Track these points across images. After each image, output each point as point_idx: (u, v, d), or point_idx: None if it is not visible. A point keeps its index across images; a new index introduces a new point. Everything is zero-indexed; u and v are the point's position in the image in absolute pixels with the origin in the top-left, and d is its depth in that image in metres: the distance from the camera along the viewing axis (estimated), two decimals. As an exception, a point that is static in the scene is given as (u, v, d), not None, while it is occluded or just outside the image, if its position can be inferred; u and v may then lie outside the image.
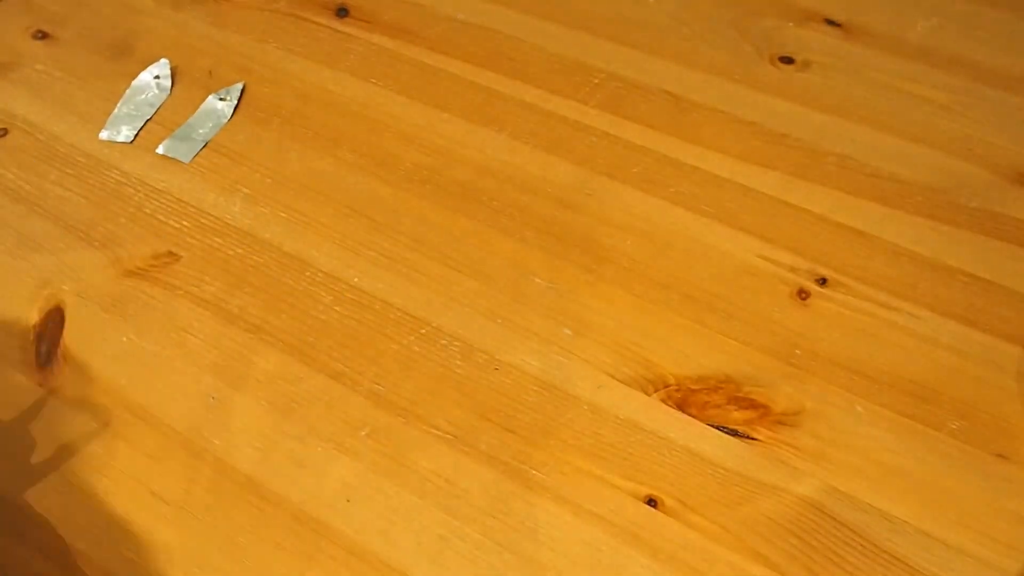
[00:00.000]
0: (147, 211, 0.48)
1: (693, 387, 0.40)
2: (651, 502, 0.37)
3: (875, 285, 0.43)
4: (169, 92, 0.53)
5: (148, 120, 0.52)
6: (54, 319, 0.44)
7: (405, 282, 0.44)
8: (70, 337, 0.43)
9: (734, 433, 0.38)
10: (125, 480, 0.39)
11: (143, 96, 0.53)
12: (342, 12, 0.57)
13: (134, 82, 0.54)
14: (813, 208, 0.46)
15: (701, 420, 0.39)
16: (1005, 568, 0.34)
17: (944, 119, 0.49)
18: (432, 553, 0.36)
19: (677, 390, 0.40)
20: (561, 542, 0.36)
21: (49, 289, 0.45)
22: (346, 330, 0.42)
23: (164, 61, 0.55)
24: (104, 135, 0.51)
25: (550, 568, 0.35)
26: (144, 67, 0.54)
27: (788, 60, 0.53)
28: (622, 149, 0.49)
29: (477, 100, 0.52)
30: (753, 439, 0.38)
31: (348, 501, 0.37)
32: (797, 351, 0.41)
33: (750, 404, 0.39)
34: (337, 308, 0.43)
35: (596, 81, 0.52)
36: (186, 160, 0.50)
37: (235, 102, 0.52)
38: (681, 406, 0.39)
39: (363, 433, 0.39)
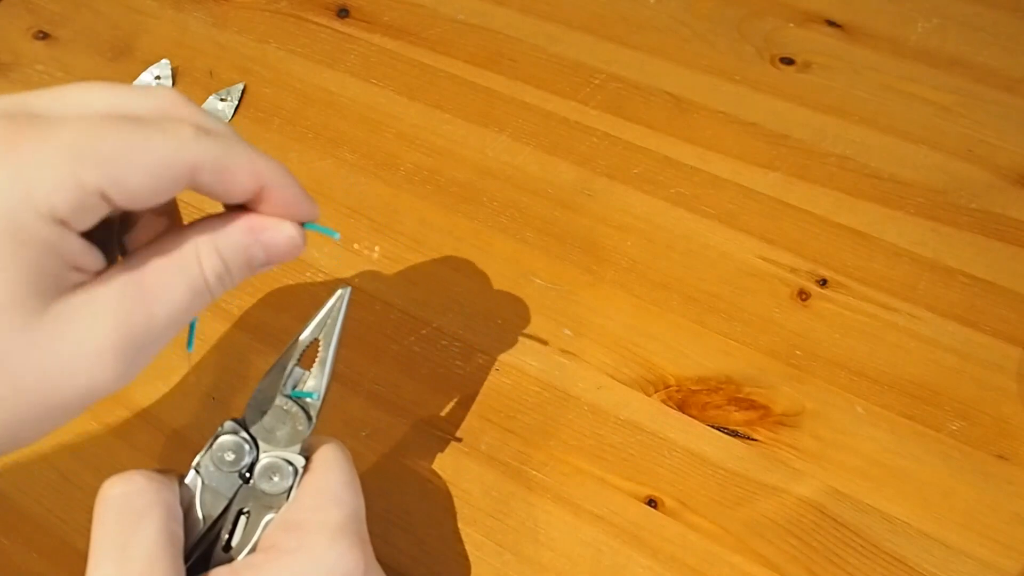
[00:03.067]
0: (148, 211, 0.48)
1: (693, 388, 0.40)
2: (651, 503, 0.37)
3: (875, 286, 0.43)
4: (170, 92, 0.53)
5: (149, 120, 0.52)
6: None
7: (405, 283, 0.44)
8: (70, 337, 0.43)
9: (734, 434, 0.38)
10: (125, 480, 0.39)
11: (144, 96, 0.53)
12: (343, 13, 0.57)
13: (135, 82, 0.54)
14: (814, 209, 0.46)
15: (701, 421, 0.39)
16: (1005, 569, 0.34)
17: (945, 120, 0.49)
18: (433, 555, 0.36)
19: (677, 391, 0.40)
20: (561, 543, 0.36)
21: (49, 289, 0.45)
22: (346, 331, 0.42)
23: (165, 61, 0.55)
24: (105, 135, 0.51)
25: (550, 569, 0.35)
26: (145, 67, 0.54)
27: (789, 61, 0.53)
28: (622, 150, 0.49)
29: (478, 101, 0.52)
30: (753, 440, 0.38)
31: (348, 501, 0.37)
32: (797, 352, 0.41)
33: (750, 405, 0.39)
34: (337, 308, 0.43)
35: (597, 82, 0.52)
36: (187, 160, 0.50)
37: (236, 103, 0.52)
38: (681, 407, 0.39)
39: (364, 434, 0.39)
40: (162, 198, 0.24)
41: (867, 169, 0.47)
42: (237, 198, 0.26)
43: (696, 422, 0.39)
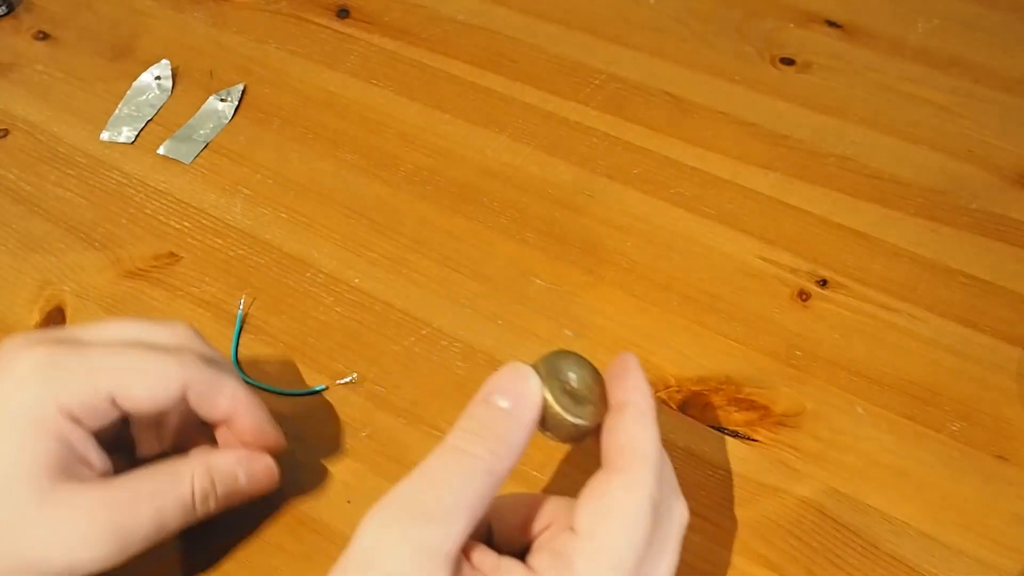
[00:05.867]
0: (148, 212, 0.48)
1: (694, 388, 0.40)
2: (651, 503, 0.37)
3: (875, 286, 0.43)
4: (170, 93, 0.54)
5: (149, 121, 0.52)
6: (55, 320, 0.44)
7: (406, 283, 0.44)
8: (71, 338, 0.43)
9: (735, 434, 0.38)
10: (126, 481, 0.38)
11: (144, 97, 0.53)
12: (343, 13, 0.57)
13: (135, 83, 0.54)
14: (813, 209, 0.46)
15: (702, 421, 0.39)
16: (1005, 569, 0.34)
17: (944, 120, 0.49)
18: (432, 554, 0.36)
19: (678, 391, 0.40)
20: (561, 543, 0.36)
21: (50, 290, 0.45)
22: (347, 331, 0.42)
23: (165, 62, 0.55)
24: (105, 136, 0.51)
25: (550, 569, 0.35)
26: (145, 68, 0.54)
27: (789, 61, 0.53)
28: (623, 150, 0.49)
29: (478, 101, 0.52)
30: (754, 440, 0.38)
31: (349, 502, 0.37)
32: (797, 352, 0.41)
33: (751, 405, 0.39)
34: (338, 309, 0.43)
35: (597, 82, 0.52)
36: (187, 161, 0.50)
37: (236, 103, 0.52)
38: (682, 407, 0.39)
39: (364, 434, 0.39)
40: (159, 406, 0.30)
41: (867, 169, 0.47)
42: (216, 417, 0.32)
43: (696, 423, 0.39)
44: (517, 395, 0.27)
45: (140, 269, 0.45)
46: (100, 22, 0.58)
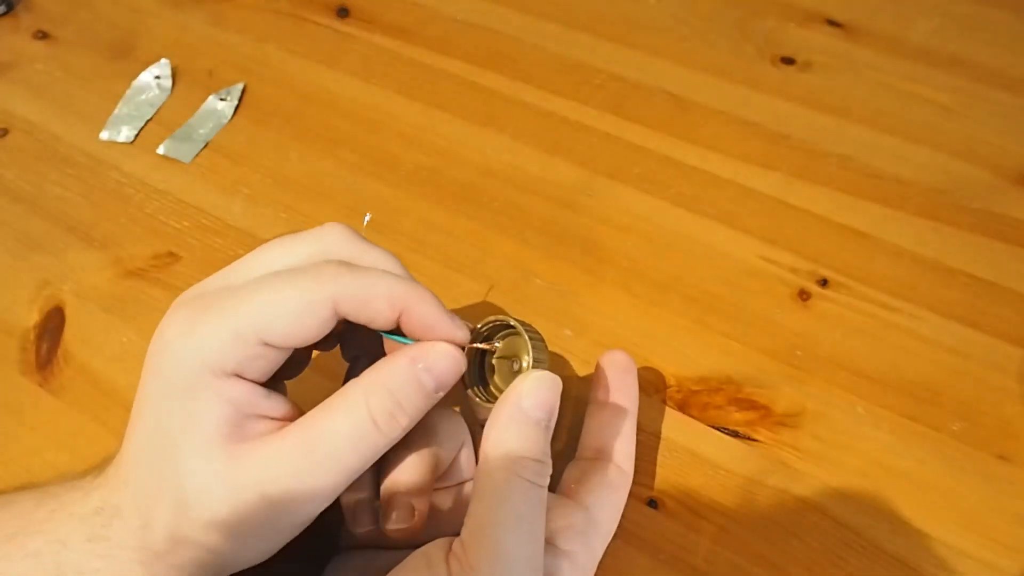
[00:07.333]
0: (147, 211, 0.48)
1: (694, 388, 0.40)
2: (651, 503, 0.37)
3: (876, 286, 0.43)
4: (170, 92, 0.53)
5: (148, 120, 0.52)
6: (54, 319, 0.44)
7: (405, 283, 0.44)
8: (70, 337, 0.43)
9: (735, 434, 0.38)
10: (125, 481, 0.38)
11: (143, 96, 0.53)
12: (343, 12, 0.57)
13: (134, 82, 0.54)
14: (814, 209, 0.46)
15: (702, 421, 0.39)
16: (1006, 569, 0.34)
17: (946, 120, 0.49)
18: (432, 554, 0.36)
19: (678, 391, 0.40)
20: (561, 543, 0.36)
21: (49, 289, 0.45)
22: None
23: (164, 61, 0.55)
24: (104, 135, 0.51)
25: (550, 569, 0.35)
26: (144, 67, 0.54)
27: (789, 61, 0.53)
28: (623, 150, 0.49)
29: (478, 101, 0.52)
30: (754, 440, 0.38)
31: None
32: (798, 352, 0.41)
33: (751, 405, 0.39)
34: (337, 309, 0.43)
35: (597, 82, 0.52)
36: (186, 160, 0.50)
37: (235, 102, 0.52)
38: (682, 407, 0.39)
39: (363, 434, 0.39)
40: (314, 333, 0.27)
41: (868, 169, 0.47)
42: (383, 323, 0.29)
43: (696, 422, 0.39)
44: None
45: (140, 268, 0.45)
46: (100, 21, 0.58)
